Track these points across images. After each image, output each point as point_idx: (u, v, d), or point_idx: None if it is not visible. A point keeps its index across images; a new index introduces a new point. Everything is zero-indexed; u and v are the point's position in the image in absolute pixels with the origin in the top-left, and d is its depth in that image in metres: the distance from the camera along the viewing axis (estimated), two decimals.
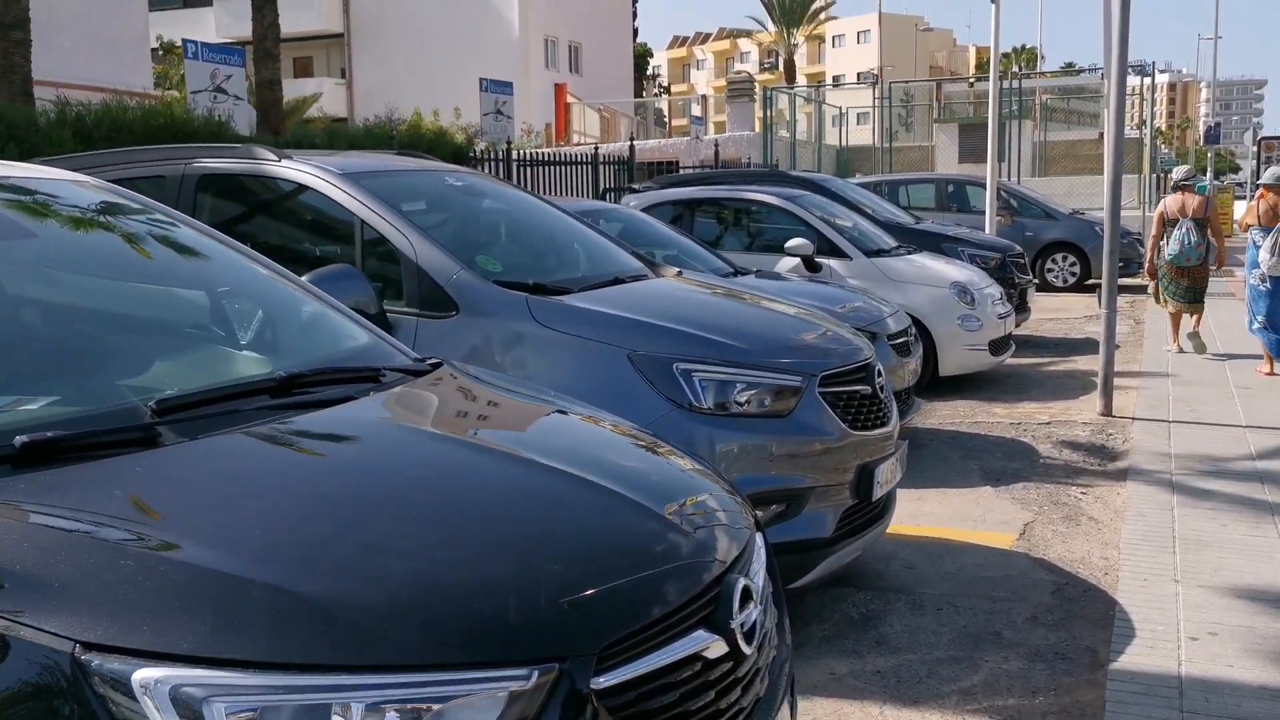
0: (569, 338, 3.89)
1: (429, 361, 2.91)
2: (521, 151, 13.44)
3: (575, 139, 29.80)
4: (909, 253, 9.49)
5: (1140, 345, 11.37)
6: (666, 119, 47.61)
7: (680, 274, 5.19)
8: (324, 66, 45.01)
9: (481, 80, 11.89)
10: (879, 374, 4.41)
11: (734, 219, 9.67)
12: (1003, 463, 6.75)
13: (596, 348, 3.86)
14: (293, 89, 37.43)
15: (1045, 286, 16.91)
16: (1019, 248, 11.85)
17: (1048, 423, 7.83)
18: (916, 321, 8.60)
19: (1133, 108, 31.47)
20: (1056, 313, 14.28)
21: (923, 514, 5.73)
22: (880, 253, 9.19)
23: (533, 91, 39.19)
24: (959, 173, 21.45)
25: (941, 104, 27.87)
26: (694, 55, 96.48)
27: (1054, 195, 20.05)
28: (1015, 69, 46.09)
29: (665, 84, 73.35)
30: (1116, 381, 8.83)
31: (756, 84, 23.82)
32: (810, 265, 8.86)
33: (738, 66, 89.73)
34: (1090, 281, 16.62)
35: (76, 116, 7.86)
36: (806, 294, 6.92)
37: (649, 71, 58.59)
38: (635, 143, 17.52)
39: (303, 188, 4.36)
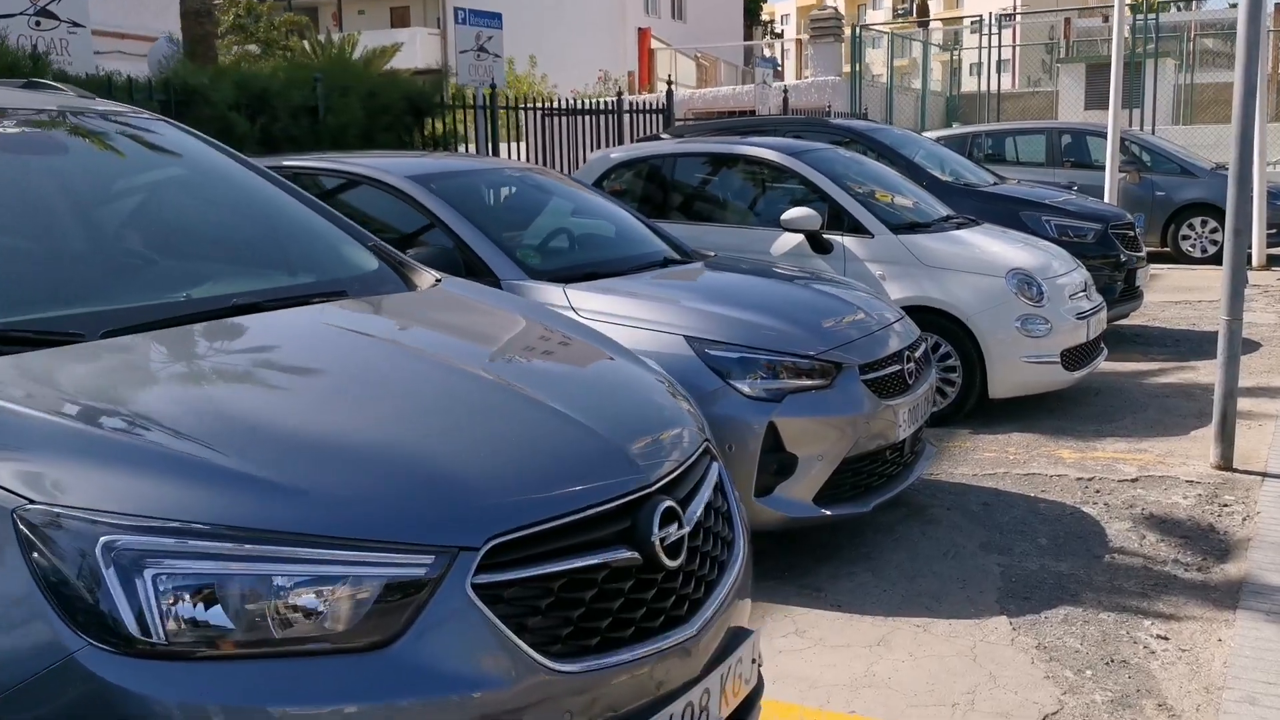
0: None
1: None
2: (525, 98, 11.29)
3: (661, 88, 27.40)
4: (959, 226, 7.06)
5: None
6: (780, 67, 44.84)
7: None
8: (420, 17, 43.47)
9: (456, 10, 9.80)
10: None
11: (726, 182, 7.38)
12: (1044, 560, 4.41)
13: None
14: (379, 39, 36.00)
15: (1180, 257, 14.03)
16: (1128, 216, 9.21)
17: (1134, 479, 5.40)
18: (958, 324, 6.27)
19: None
20: (1187, 293, 11.52)
21: (873, 681, 3.46)
22: (916, 227, 6.79)
23: (629, 38, 36.97)
24: (1082, 121, 18.42)
25: (1070, 42, 24.53)
26: (824, 3, 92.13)
27: (1197, 147, 16.93)
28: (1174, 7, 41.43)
29: (782, 32, 69.76)
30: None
31: (844, 23, 21.06)
32: (817, 244, 6.58)
33: (870, 13, 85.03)
34: None
35: None
36: (760, 301, 4.69)
37: (763, 17, 55.44)
38: (689, 89, 15.16)
39: None
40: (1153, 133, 17.53)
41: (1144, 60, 18.98)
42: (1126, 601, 4.01)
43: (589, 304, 4.30)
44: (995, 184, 9.32)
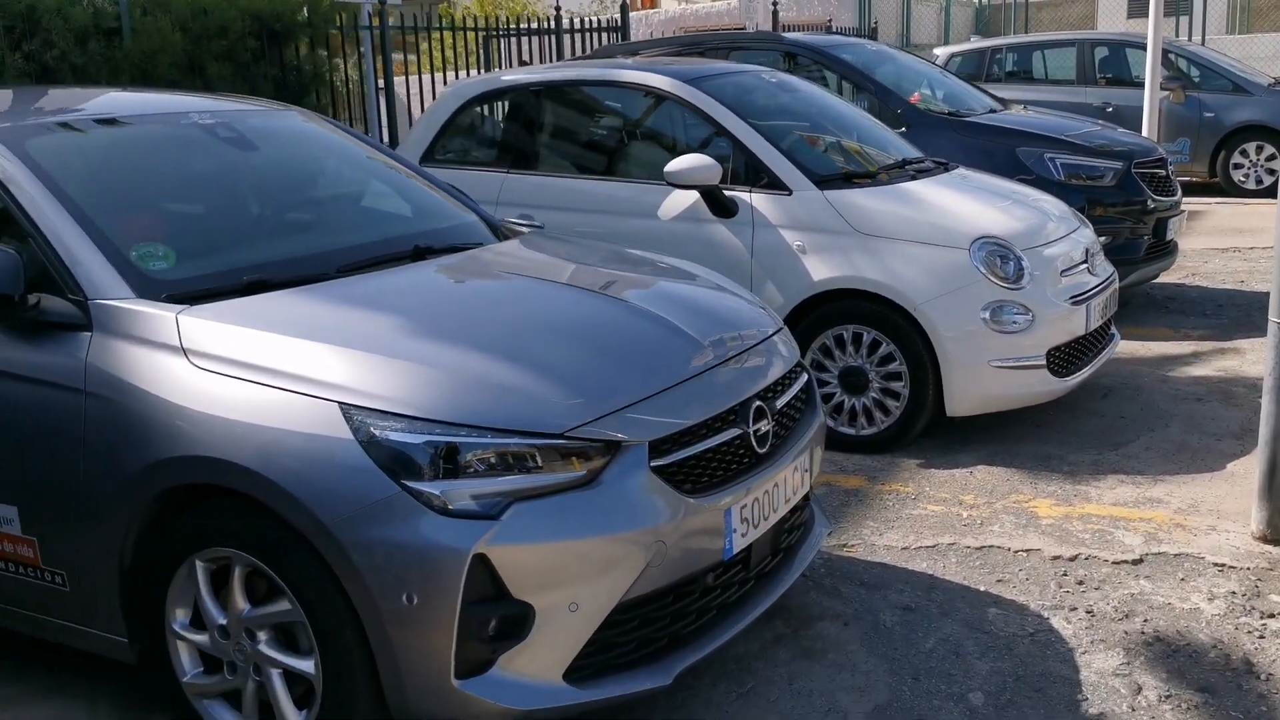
0: None
1: None
2: (436, 17, 9.45)
3: (670, 6, 25.24)
4: (918, 174, 5.23)
5: None
6: None
7: None
8: None
9: None
10: None
11: (607, 119, 5.61)
12: None
13: None
14: None
15: (1231, 189, 11.99)
16: (1159, 150, 7.28)
17: (1137, 560, 3.66)
18: (902, 315, 4.56)
19: None
20: (1236, 236, 9.57)
21: None
22: (854, 179, 4.99)
23: None
24: (1121, 31, 16.20)
25: None
26: None
27: (1254, 59, 14.73)
28: None
29: None
30: None
31: None
32: (717, 205, 4.85)
33: None
34: None
35: None
36: (511, 327, 3.00)
37: None
38: (687, 5, 13.18)
39: None
40: (1203, 43, 15.31)
41: None
42: None
43: (210, 342, 2.61)
44: (991, 111, 7.43)
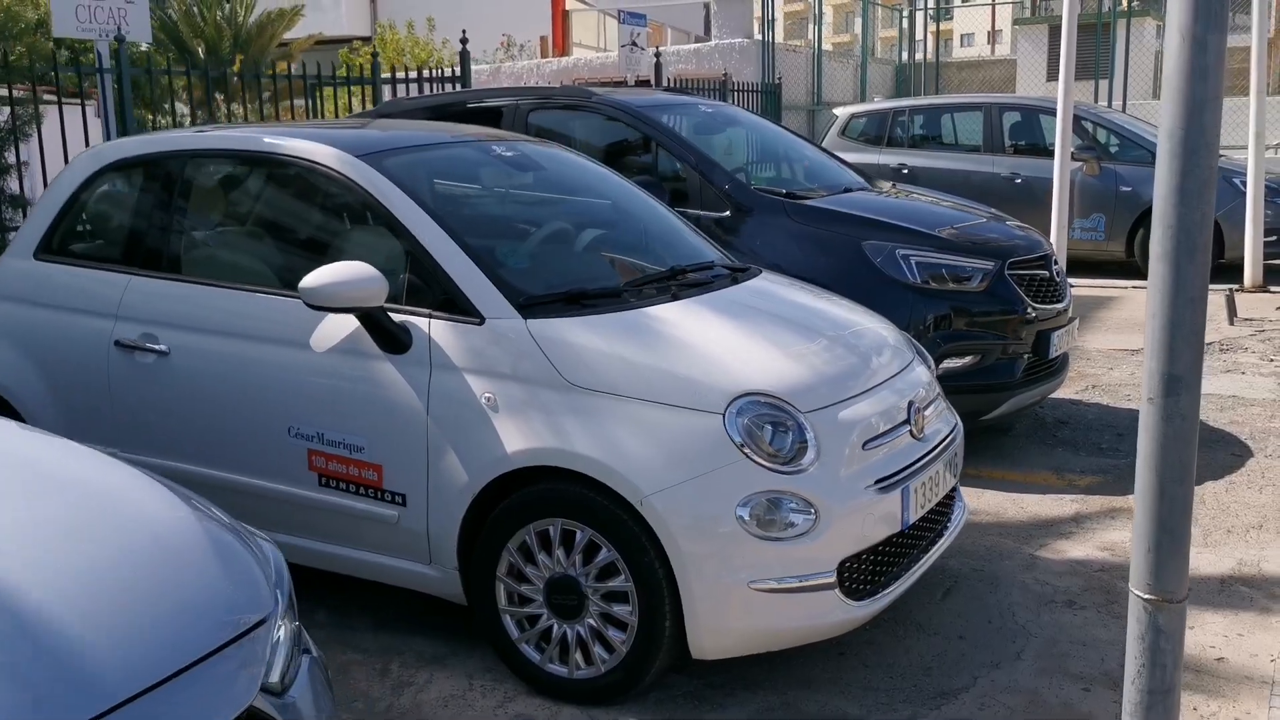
0: None
1: None
2: (260, 62, 7.94)
3: (578, 53, 24.01)
4: (682, 291, 3.77)
5: None
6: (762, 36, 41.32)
7: None
8: None
9: None
10: None
11: (260, 205, 4.12)
12: None
13: None
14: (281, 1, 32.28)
15: (1148, 270, 10.75)
16: (1044, 245, 5.90)
17: None
18: (625, 508, 3.06)
19: None
20: None
21: None
22: (584, 301, 3.51)
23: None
24: (1039, 96, 15.12)
25: (1036, 2, 21.16)
26: None
27: None
28: None
29: None
30: (1218, 614, 3.16)
31: None
32: (383, 336, 3.35)
33: None
34: (1224, 260, 10.42)
35: None
36: None
37: None
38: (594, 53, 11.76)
39: None
40: (1123, 109, 14.23)
41: (1114, 20, 15.67)
42: None
43: None
44: (845, 192, 6.05)
